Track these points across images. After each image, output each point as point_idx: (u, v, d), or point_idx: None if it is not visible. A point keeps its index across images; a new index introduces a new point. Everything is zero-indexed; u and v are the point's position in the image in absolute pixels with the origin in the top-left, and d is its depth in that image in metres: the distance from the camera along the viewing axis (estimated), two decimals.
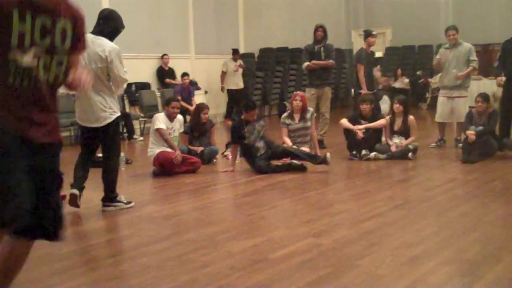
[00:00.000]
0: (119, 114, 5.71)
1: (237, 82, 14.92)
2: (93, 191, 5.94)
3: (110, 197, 5.74)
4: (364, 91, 9.71)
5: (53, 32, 2.87)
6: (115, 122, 5.67)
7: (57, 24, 2.88)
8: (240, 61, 15.00)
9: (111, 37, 5.63)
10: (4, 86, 2.84)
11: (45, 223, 2.96)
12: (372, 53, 10.27)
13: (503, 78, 8.64)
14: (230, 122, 14.44)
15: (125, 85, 5.63)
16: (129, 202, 5.83)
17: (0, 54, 2.80)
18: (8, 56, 2.79)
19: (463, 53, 9.24)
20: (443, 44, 9.79)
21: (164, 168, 7.58)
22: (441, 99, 9.59)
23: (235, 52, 14.92)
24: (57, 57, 2.91)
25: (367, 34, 10.03)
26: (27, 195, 2.82)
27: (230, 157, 8.79)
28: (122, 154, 6.88)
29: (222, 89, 15.05)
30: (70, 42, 2.95)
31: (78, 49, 3.04)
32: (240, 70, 14.90)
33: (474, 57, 9.25)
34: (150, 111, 12.04)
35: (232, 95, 14.92)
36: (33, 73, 2.84)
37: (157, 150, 7.66)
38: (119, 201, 5.76)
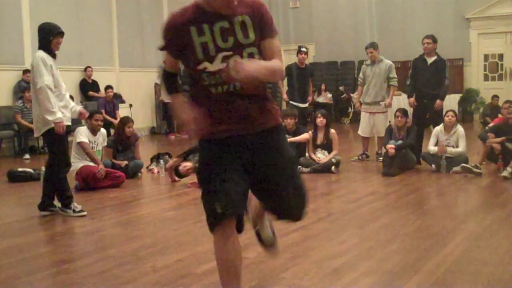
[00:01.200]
0: (51, 126, 5.73)
1: None
2: (10, 207, 5.76)
3: (46, 203, 5.93)
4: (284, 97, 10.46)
5: (234, 31, 2.92)
6: (47, 132, 5.79)
7: (235, 22, 2.92)
8: None
9: (45, 47, 5.79)
10: (208, 97, 2.97)
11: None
12: (306, 67, 10.43)
13: (412, 100, 8.98)
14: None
15: (44, 94, 5.61)
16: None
17: (193, 71, 2.96)
18: (200, 70, 2.92)
19: (383, 70, 9.53)
20: (365, 60, 10.08)
21: (87, 183, 7.43)
22: (363, 114, 9.86)
23: None
24: (246, 52, 2.94)
25: (298, 51, 10.37)
26: None
27: (155, 171, 8.74)
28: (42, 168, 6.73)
29: (161, 101, 14.94)
30: (254, 33, 2.96)
31: (267, 35, 3.00)
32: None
33: (393, 74, 9.56)
34: (72, 124, 11.76)
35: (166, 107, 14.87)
36: (225, 76, 2.91)
37: (80, 165, 7.50)
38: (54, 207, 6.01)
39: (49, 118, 5.69)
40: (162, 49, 3.02)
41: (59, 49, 5.94)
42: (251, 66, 2.78)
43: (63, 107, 5.84)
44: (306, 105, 10.52)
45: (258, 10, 3.00)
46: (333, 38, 19.02)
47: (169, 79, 3.12)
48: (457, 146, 8.36)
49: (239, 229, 3.20)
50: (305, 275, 4.00)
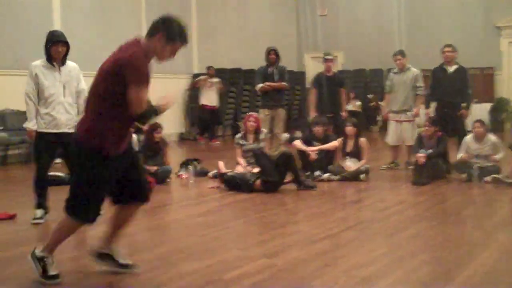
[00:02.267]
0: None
1: (211, 99, 14.92)
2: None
3: None
4: (312, 113, 9.88)
5: None
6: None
7: None
8: (216, 80, 14.99)
9: (46, 55, 5.85)
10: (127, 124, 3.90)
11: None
12: (335, 76, 10.21)
13: (430, 111, 8.93)
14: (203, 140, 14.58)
15: (25, 100, 5.86)
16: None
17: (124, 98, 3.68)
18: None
19: (410, 78, 9.45)
20: (392, 68, 10.01)
21: None
22: (390, 123, 9.78)
23: (209, 68, 14.94)
24: None
25: (323, 59, 10.16)
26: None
27: (184, 176, 8.77)
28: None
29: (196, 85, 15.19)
30: None
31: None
32: (215, 86, 14.90)
33: (420, 83, 9.46)
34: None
35: (205, 112, 14.92)
36: None
37: None
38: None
39: (24, 124, 5.98)
40: (145, 84, 3.69)
41: (69, 55, 5.94)
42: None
43: (46, 114, 5.83)
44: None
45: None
46: (361, 46, 18.93)
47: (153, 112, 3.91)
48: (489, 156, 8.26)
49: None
50: (334, 283, 3.98)
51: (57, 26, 11.69)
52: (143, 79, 3.57)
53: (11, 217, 6.19)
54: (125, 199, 4.12)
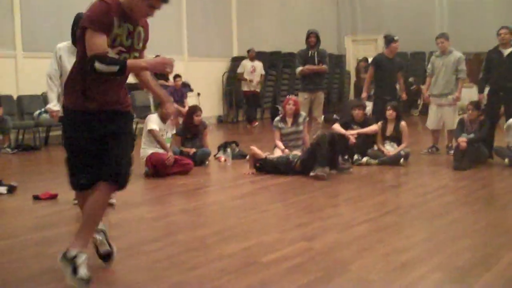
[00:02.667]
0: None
1: (254, 84, 14.95)
2: None
3: None
4: (364, 94, 9.82)
5: (133, 36, 3.66)
6: None
7: (136, 30, 3.67)
8: (256, 64, 14.95)
9: (72, 35, 5.66)
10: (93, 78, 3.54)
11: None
12: (395, 58, 9.86)
13: (485, 95, 8.73)
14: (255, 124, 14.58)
15: (46, 81, 5.83)
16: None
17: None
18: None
19: (452, 61, 9.28)
20: (434, 51, 9.83)
21: (156, 169, 7.57)
22: (431, 106, 9.64)
23: (250, 50, 14.91)
24: (133, 55, 3.67)
25: (389, 40, 9.79)
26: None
27: (222, 159, 8.82)
28: None
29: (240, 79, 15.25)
30: (143, 42, 3.75)
31: (145, 47, 3.80)
32: (258, 71, 14.88)
33: (462, 66, 9.28)
34: (142, 112, 12.01)
35: (248, 97, 14.96)
36: None
37: (150, 151, 7.65)
38: None
39: (46, 106, 6.01)
40: (100, 29, 3.46)
41: None
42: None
43: None
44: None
45: (147, 27, 3.80)
46: (401, 28, 18.55)
47: (107, 58, 3.46)
48: None
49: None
50: (372, 268, 3.95)
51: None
52: (96, 24, 3.44)
53: (53, 197, 6.32)
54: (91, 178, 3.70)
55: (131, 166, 3.74)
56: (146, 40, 3.79)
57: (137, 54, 3.70)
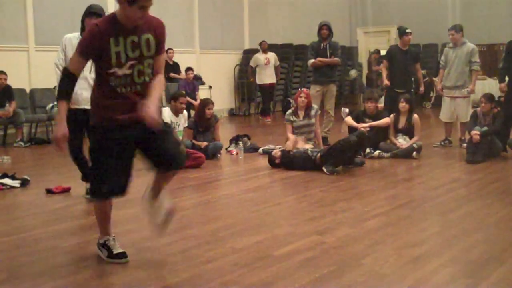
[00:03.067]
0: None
1: (268, 76, 14.75)
2: None
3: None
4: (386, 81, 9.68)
5: (140, 45, 3.71)
6: None
7: (142, 39, 3.71)
8: (270, 55, 14.78)
9: (81, 26, 5.70)
10: (114, 95, 3.72)
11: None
12: (409, 50, 9.78)
13: (504, 85, 8.63)
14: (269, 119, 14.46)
15: (58, 73, 5.64)
16: None
17: (103, 74, 3.69)
18: (110, 74, 3.66)
19: (465, 53, 9.21)
20: (447, 43, 9.76)
21: None
22: (444, 99, 9.58)
23: (262, 42, 14.76)
24: (147, 62, 3.76)
25: (402, 33, 9.74)
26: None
27: (234, 152, 8.82)
28: None
29: (252, 82, 15.02)
30: (154, 48, 3.77)
31: (160, 51, 3.85)
32: (272, 62, 14.73)
33: (475, 58, 9.21)
34: None
35: (264, 89, 14.85)
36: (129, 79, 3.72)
37: None
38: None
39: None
40: (81, 53, 3.63)
41: None
42: (152, 108, 3.60)
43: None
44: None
45: (160, 30, 3.80)
46: (414, 20, 18.46)
47: (68, 81, 3.68)
48: None
49: None
50: (385, 262, 3.94)
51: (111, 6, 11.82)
52: (82, 48, 3.64)
53: (66, 190, 6.35)
54: (152, 167, 4.14)
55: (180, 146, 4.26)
56: (159, 44, 3.80)
57: (151, 61, 3.77)
